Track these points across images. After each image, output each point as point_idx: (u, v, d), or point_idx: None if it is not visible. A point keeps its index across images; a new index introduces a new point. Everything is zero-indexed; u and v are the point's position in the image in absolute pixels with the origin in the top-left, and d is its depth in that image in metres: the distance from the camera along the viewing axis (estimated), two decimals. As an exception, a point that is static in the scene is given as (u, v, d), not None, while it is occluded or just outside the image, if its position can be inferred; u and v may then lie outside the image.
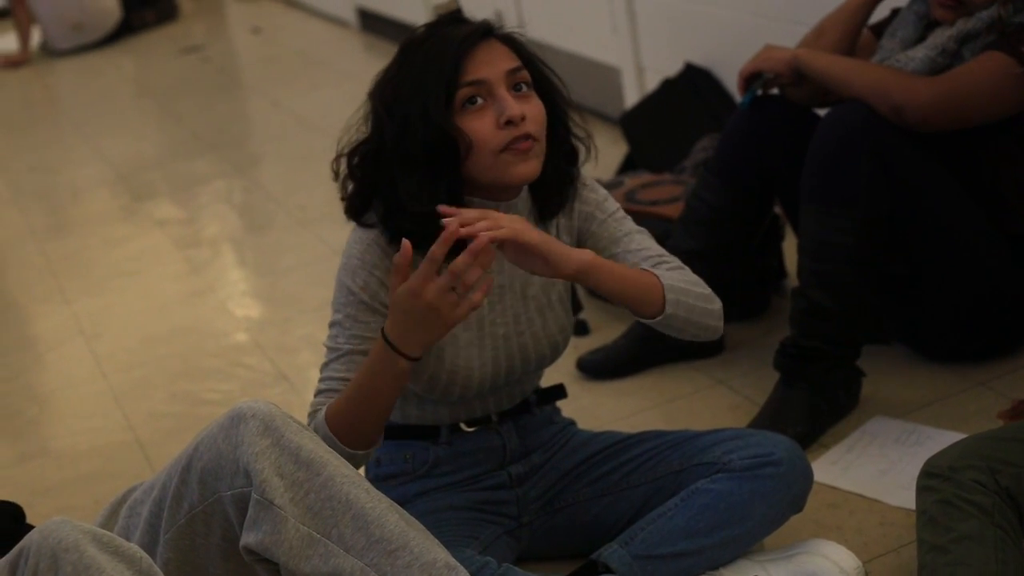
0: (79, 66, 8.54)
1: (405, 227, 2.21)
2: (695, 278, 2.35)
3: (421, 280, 2.06)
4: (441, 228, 2.07)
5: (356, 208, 2.30)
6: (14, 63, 8.75)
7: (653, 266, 2.34)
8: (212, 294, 4.43)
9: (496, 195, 2.28)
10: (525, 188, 2.33)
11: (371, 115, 2.26)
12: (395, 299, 2.10)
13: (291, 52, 7.98)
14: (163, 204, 5.61)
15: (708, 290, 2.35)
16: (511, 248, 2.14)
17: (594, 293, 3.66)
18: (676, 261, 2.39)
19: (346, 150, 2.29)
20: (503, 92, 2.19)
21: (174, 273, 4.69)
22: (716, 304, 2.36)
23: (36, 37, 9.05)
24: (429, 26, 2.26)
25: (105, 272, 4.82)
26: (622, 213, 2.43)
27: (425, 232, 2.18)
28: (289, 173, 5.64)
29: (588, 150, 2.39)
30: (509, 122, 2.17)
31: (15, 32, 8.88)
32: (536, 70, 2.28)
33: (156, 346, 4.07)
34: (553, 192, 2.35)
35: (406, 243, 2.08)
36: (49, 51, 8.93)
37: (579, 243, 2.43)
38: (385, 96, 2.23)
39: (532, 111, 2.21)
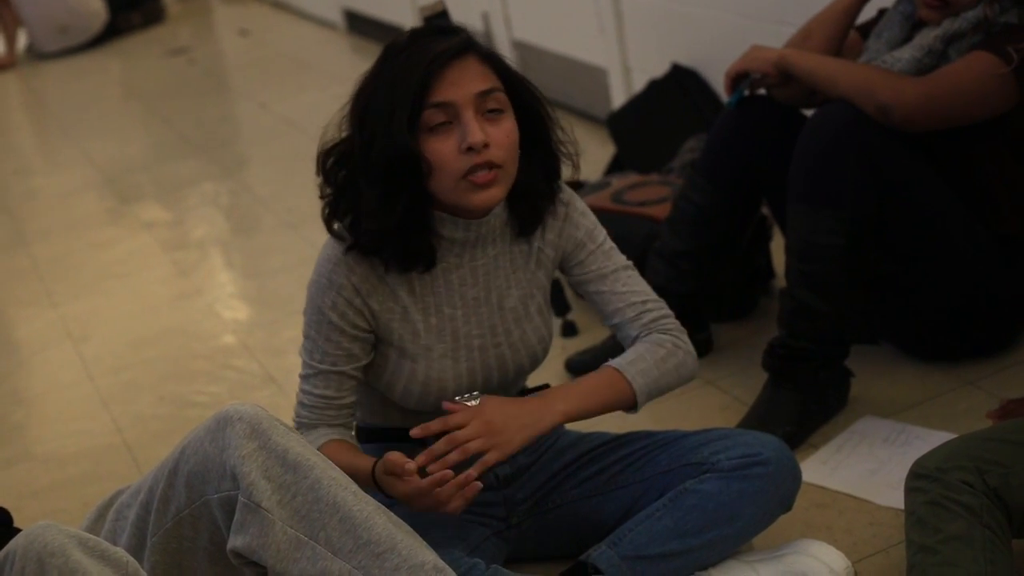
0: (65, 69, 8.52)
1: (365, 238, 2.23)
2: (668, 340, 2.41)
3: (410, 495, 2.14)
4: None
5: (329, 212, 2.30)
6: (0, 66, 8.73)
7: (637, 314, 2.41)
8: (200, 296, 4.42)
9: (464, 214, 2.27)
10: (503, 199, 2.31)
11: (348, 117, 2.25)
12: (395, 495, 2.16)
13: (278, 54, 7.97)
14: (150, 207, 5.60)
15: (681, 348, 2.42)
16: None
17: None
18: (661, 304, 2.45)
19: (327, 145, 2.28)
20: (468, 116, 2.16)
21: (161, 276, 4.68)
22: (688, 365, 2.43)
23: (22, 40, 9.04)
24: (411, 34, 2.23)
25: (92, 275, 4.81)
26: (610, 244, 2.44)
27: (381, 247, 2.23)
28: (276, 175, 5.63)
29: (575, 167, 2.38)
30: (470, 149, 2.16)
31: (1, 35, 8.86)
32: (516, 88, 2.25)
33: (144, 349, 4.06)
34: (531, 209, 2.34)
35: (410, 465, 2.13)
36: (35, 54, 8.91)
37: (563, 263, 2.44)
38: (358, 104, 2.22)
39: (499, 136, 2.19)
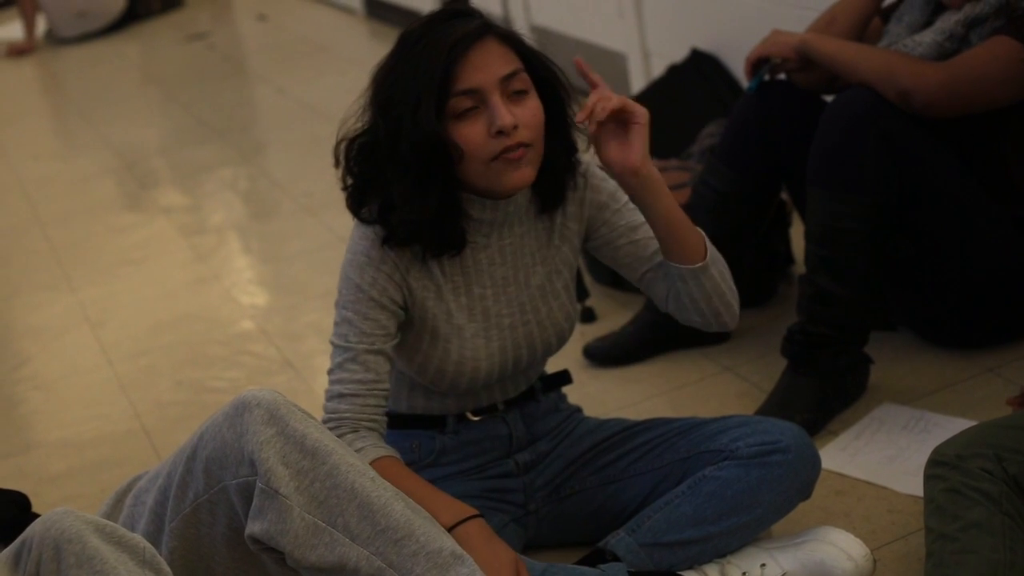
0: (84, 54, 8.53)
1: (400, 229, 2.21)
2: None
3: None
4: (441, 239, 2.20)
5: (355, 201, 2.28)
6: (20, 51, 8.76)
7: None
8: (217, 282, 4.43)
9: (492, 195, 2.26)
10: None
11: (369, 107, 2.23)
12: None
13: (296, 39, 7.96)
14: (168, 192, 5.60)
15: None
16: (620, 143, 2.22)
17: (602, 276, 3.66)
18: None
19: (349, 135, 2.27)
20: (496, 100, 2.15)
21: (180, 261, 4.69)
22: (736, 298, 2.40)
23: (41, 25, 9.05)
24: (428, 20, 2.21)
25: (111, 260, 4.81)
26: (632, 204, 2.41)
27: (418, 236, 2.20)
28: (294, 160, 5.63)
29: (589, 141, 2.37)
30: (500, 132, 2.15)
31: (21, 21, 8.88)
32: (536, 66, 2.24)
33: (162, 334, 4.07)
34: (553, 185, 2.33)
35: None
36: (54, 39, 8.93)
37: (588, 231, 2.42)
38: (380, 93, 2.20)
39: (527, 116, 2.17)
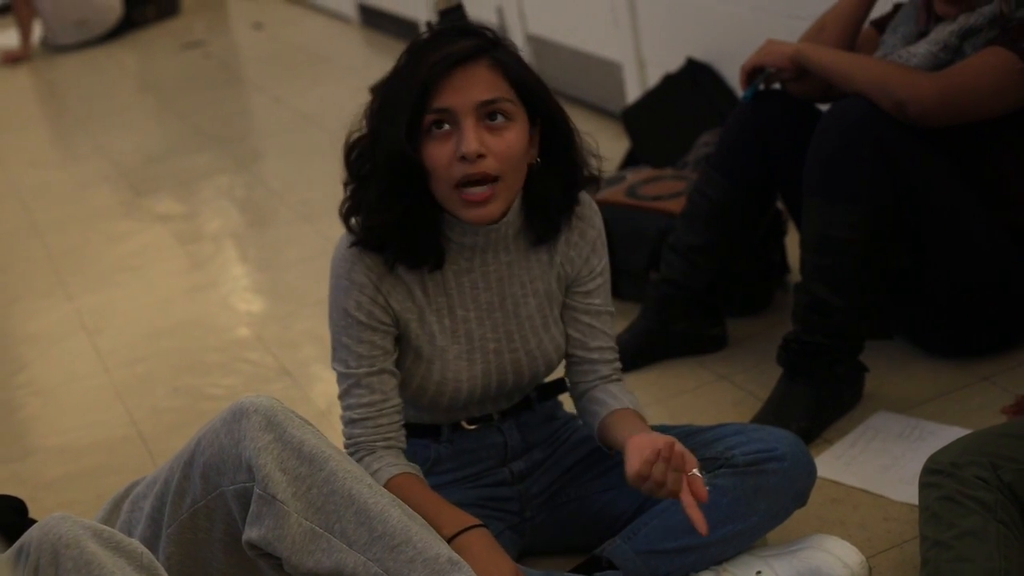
0: (80, 62, 8.53)
1: (368, 232, 2.23)
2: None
3: None
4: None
5: (349, 205, 2.28)
6: (15, 59, 8.75)
7: (613, 358, 2.46)
8: (214, 289, 4.43)
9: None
10: (518, 208, 2.30)
11: (366, 112, 2.25)
12: None
13: (293, 48, 7.97)
14: (165, 199, 5.60)
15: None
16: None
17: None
18: (616, 358, 2.47)
19: (350, 139, 2.27)
20: (468, 124, 2.13)
21: (176, 268, 4.69)
22: None
23: (37, 33, 9.04)
24: (434, 34, 2.21)
25: (107, 267, 4.82)
26: (602, 284, 2.45)
27: (383, 242, 2.22)
28: (291, 168, 5.64)
29: (596, 182, 2.37)
30: (463, 158, 2.13)
31: (16, 28, 8.87)
32: (532, 95, 2.21)
33: (158, 341, 4.07)
34: (546, 220, 2.33)
35: None
36: (50, 47, 8.92)
37: (569, 286, 2.43)
38: (373, 101, 2.22)
39: (499, 147, 2.15)
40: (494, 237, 2.30)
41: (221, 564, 2.07)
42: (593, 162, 2.35)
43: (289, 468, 1.97)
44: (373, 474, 2.21)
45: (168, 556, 2.06)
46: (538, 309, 2.39)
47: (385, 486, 2.19)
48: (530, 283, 2.38)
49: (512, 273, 2.36)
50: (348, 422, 2.29)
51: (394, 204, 2.19)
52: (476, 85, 2.15)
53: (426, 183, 2.19)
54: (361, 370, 2.27)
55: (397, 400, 2.30)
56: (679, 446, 2.09)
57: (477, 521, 2.19)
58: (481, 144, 2.13)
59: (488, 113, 2.15)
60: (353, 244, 2.26)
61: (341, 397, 2.30)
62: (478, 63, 2.16)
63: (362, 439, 2.27)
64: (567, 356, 2.47)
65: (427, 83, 2.13)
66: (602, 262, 2.43)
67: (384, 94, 2.20)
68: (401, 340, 2.32)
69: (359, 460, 2.24)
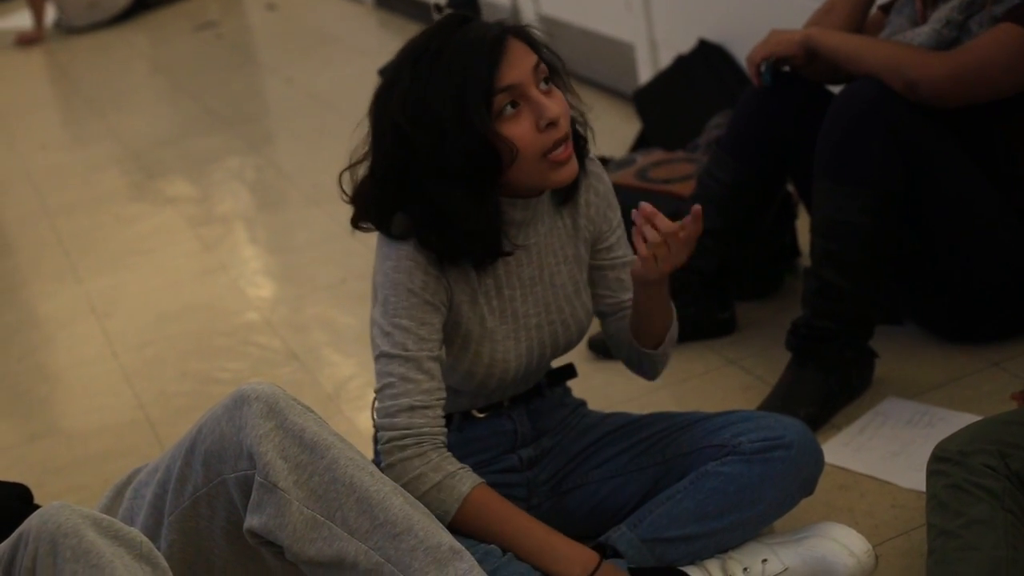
0: (93, 43, 8.53)
1: (456, 242, 2.18)
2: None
3: None
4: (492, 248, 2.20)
5: (379, 222, 2.23)
6: (29, 41, 8.76)
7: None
8: (224, 272, 4.42)
9: (523, 194, 2.24)
10: None
11: (389, 132, 2.15)
12: None
13: (305, 29, 7.96)
14: (176, 182, 5.60)
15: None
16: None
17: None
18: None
19: (366, 167, 2.22)
20: (536, 93, 2.12)
21: (186, 251, 4.69)
22: (666, 363, 2.50)
23: (50, 15, 9.05)
24: (440, 30, 2.17)
25: (117, 250, 4.81)
26: (623, 235, 2.46)
27: (473, 248, 2.19)
28: (302, 151, 5.63)
29: (585, 133, 2.35)
30: (550, 124, 2.12)
31: (30, 10, 8.87)
32: (548, 60, 2.21)
33: (167, 325, 4.06)
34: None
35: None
36: (63, 28, 8.93)
37: (594, 242, 2.43)
38: (407, 110, 2.12)
39: (562, 106, 2.15)
40: (540, 208, 2.29)
41: (223, 552, 2.07)
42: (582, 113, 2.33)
43: (290, 456, 1.96)
44: (448, 477, 2.17)
45: (170, 544, 2.06)
46: (570, 276, 2.38)
47: (466, 500, 2.17)
48: (561, 249, 2.37)
49: (548, 243, 2.34)
50: (404, 409, 2.17)
51: (485, 201, 2.15)
52: (523, 56, 2.14)
53: (502, 172, 2.15)
54: (423, 353, 2.19)
55: (445, 391, 2.25)
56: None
57: (598, 556, 2.21)
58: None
59: (539, 79, 2.15)
60: (439, 260, 2.20)
61: (392, 384, 2.18)
62: (511, 38, 2.14)
63: (425, 430, 2.18)
64: (600, 314, 2.47)
65: (491, 66, 2.10)
66: (617, 215, 2.44)
67: (427, 97, 2.11)
68: (447, 326, 2.27)
69: (421, 454, 2.16)
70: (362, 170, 2.25)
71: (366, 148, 2.23)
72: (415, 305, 2.19)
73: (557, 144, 2.14)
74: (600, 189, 2.41)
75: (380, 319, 2.21)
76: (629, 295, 2.43)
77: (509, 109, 2.12)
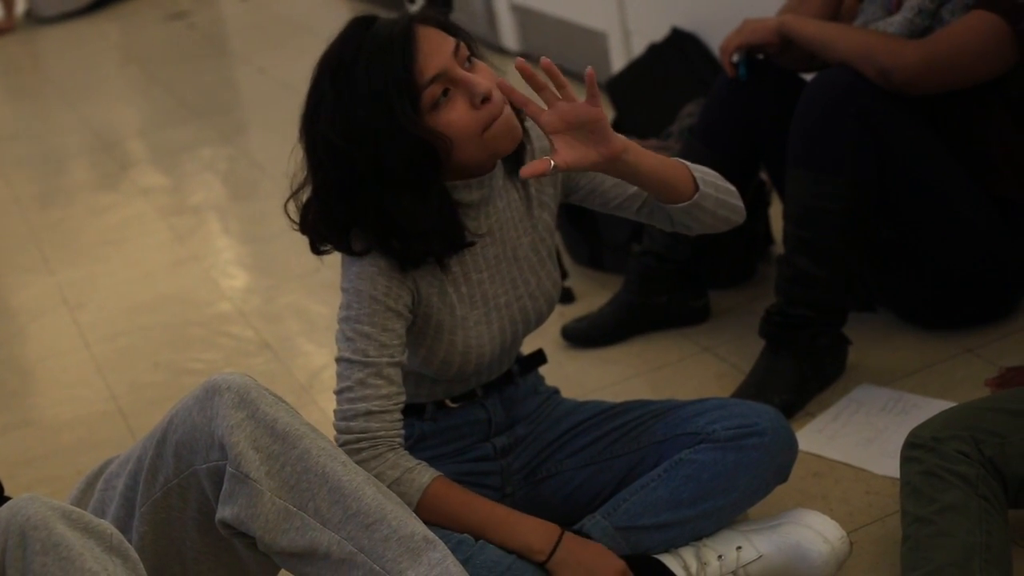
0: (64, 33, 8.48)
1: (412, 247, 2.16)
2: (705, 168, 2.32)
3: None
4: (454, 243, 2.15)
5: (338, 242, 2.21)
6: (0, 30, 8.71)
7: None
8: (196, 263, 4.40)
9: (475, 173, 2.22)
10: None
11: (323, 151, 2.14)
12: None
13: (278, 19, 7.93)
14: (148, 172, 5.57)
15: (719, 174, 2.33)
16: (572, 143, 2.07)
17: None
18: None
19: (306, 189, 2.20)
20: (463, 74, 2.10)
21: (158, 242, 4.67)
22: (739, 207, 2.34)
23: (21, 4, 8.99)
24: (347, 38, 2.14)
25: (89, 241, 4.79)
26: None
27: (429, 247, 2.16)
28: (275, 141, 5.59)
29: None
30: (485, 99, 2.10)
31: (-1, -1, 8.83)
32: (464, 38, 2.17)
33: (139, 315, 4.04)
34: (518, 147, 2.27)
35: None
36: (34, 18, 8.88)
37: (567, 188, 2.38)
38: (338, 125, 2.11)
39: (490, 79, 2.12)
40: (495, 183, 2.27)
41: (195, 543, 2.06)
42: None
43: (262, 446, 1.94)
44: (407, 472, 2.17)
45: (142, 535, 2.04)
46: (532, 246, 2.36)
47: (426, 492, 2.16)
48: (520, 221, 2.35)
49: (507, 217, 2.32)
50: (361, 414, 2.17)
51: (428, 199, 2.13)
52: (439, 44, 2.11)
53: (442, 165, 2.13)
54: (383, 359, 2.18)
55: (404, 395, 2.24)
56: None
57: (559, 528, 2.21)
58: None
59: (462, 59, 2.12)
60: (402, 267, 2.18)
61: (351, 388, 2.18)
62: (420, 27, 2.11)
63: (380, 433, 2.17)
64: (637, 214, 2.36)
65: (407, 63, 2.07)
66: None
67: (354, 111, 2.09)
68: (419, 320, 2.26)
69: (377, 455, 2.16)
70: (305, 195, 2.23)
71: (304, 173, 2.20)
72: (377, 312, 2.18)
73: (493, 117, 2.11)
74: (546, 144, 2.31)
75: (343, 324, 2.21)
76: (634, 188, 2.35)
77: (442, 98, 2.10)
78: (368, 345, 2.18)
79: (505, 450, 2.48)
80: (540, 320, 2.42)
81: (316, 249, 2.27)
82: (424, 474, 2.18)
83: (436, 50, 2.09)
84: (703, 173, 2.28)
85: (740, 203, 2.34)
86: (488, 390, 2.45)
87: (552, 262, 2.41)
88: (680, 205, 2.24)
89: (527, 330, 2.41)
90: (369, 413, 2.17)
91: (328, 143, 2.13)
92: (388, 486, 2.13)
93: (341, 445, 2.16)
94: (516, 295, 2.35)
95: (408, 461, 2.19)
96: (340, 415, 2.19)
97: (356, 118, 2.09)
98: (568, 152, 2.06)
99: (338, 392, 2.20)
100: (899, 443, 2.16)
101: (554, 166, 2.05)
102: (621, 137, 2.12)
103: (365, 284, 2.18)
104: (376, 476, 2.13)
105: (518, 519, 2.21)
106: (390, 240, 2.15)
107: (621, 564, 2.20)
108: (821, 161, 2.77)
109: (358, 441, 2.16)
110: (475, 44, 2.21)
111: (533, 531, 2.20)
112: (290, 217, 2.25)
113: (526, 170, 2.04)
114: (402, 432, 2.22)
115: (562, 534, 2.20)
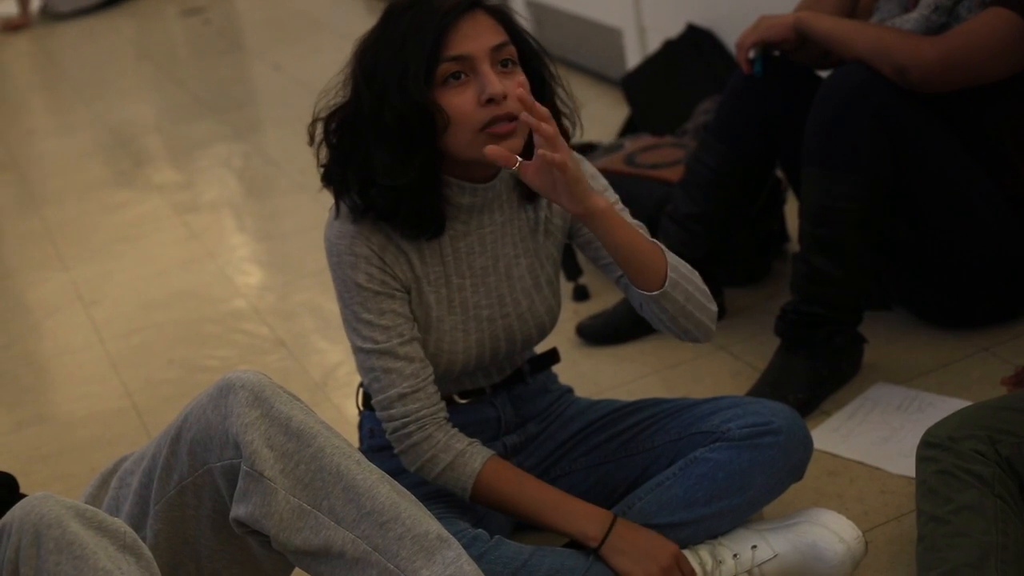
0: (79, 29, 8.49)
1: (379, 199, 2.18)
2: (695, 273, 2.28)
3: None
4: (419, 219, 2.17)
5: (332, 177, 2.25)
6: (14, 27, 8.72)
7: None
8: (211, 260, 4.40)
9: (474, 175, 2.23)
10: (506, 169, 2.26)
11: (351, 80, 2.21)
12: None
13: (293, 15, 7.93)
14: (163, 169, 5.58)
15: (707, 289, 2.28)
16: (544, 167, 2.06)
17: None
18: (673, 256, 2.28)
19: (323, 114, 2.24)
20: (486, 68, 2.12)
21: (173, 239, 4.67)
22: (713, 305, 2.28)
23: (36, 0, 9.00)
24: None
25: (104, 238, 4.79)
26: (621, 206, 2.32)
27: (396, 208, 2.17)
28: (290, 137, 5.60)
29: (574, 126, 2.31)
30: (491, 100, 2.11)
31: (16, -5, 8.85)
32: (523, 44, 2.21)
33: (154, 312, 4.05)
34: None
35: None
36: (49, 14, 8.89)
37: (573, 228, 2.39)
38: (365, 63, 2.17)
39: (512, 88, 2.10)
40: (491, 195, 2.27)
41: (209, 541, 2.05)
42: (570, 107, 2.30)
43: (276, 444, 1.94)
44: (459, 456, 2.22)
45: (156, 533, 2.04)
46: (529, 269, 2.36)
47: (478, 479, 2.22)
48: (521, 242, 2.35)
49: (505, 233, 2.33)
50: (396, 399, 2.22)
51: (410, 163, 2.15)
52: (485, 32, 2.14)
53: (436, 139, 2.15)
54: (393, 341, 2.22)
55: (430, 366, 2.27)
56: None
57: (610, 513, 2.24)
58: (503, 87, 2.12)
59: (500, 60, 2.14)
60: (363, 212, 2.20)
61: (377, 379, 2.22)
62: (478, 12, 2.15)
63: (423, 412, 2.22)
64: (619, 280, 2.32)
65: (439, 34, 2.11)
66: (600, 182, 2.34)
67: (380, 56, 2.16)
68: (412, 304, 2.29)
69: (427, 437, 2.21)
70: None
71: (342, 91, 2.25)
72: (368, 298, 2.22)
73: (496, 120, 2.12)
74: (593, 170, 2.36)
75: (344, 314, 2.25)
76: None
77: (452, 80, 2.12)
78: (374, 332, 2.22)
79: (516, 448, 2.48)
80: (529, 342, 2.42)
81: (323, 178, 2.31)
82: (476, 458, 2.23)
83: (474, 35, 2.12)
84: (681, 275, 2.22)
85: (710, 324, 2.28)
86: (497, 388, 2.45)
87: (550, 290, 2.40)
88: (645, 293, 2.21)
89: (512, 349, 2.40)
90: (403, 395, 2.22)
91: (355, 73, 2.19)
92: (442, 471, 2.22)
93: (390, 434, 2.23)
94: (502, 312, 2.35)
95: (460, 442, 2.23)
96: (379, 406, 2.24)
97: (377, 64, 2.15)
98: (536, 173, 2.08)
99: (367, 385, 2.26)
100: (915, 442, 2.15)
101: (517, 167, 2.08)
102: (599, 203, 2.10)
103: (349, 273, 2.23)
104: (430, 459, 2.22)
105: (572, 503, 2.24)
106: (369, 189, 2.19)
107: (675, 547, 2.22)
108: (836, 159, 2.76)
109: (405, 426, 2.22)
110: (545, 61, 2.24)
111: (586, 516, 2.23)
112: (309, 132, 2.28)
113: (492, 149, 2.05)
114: (442, 405, 2.26)
115: (614, 520, 2.22)
